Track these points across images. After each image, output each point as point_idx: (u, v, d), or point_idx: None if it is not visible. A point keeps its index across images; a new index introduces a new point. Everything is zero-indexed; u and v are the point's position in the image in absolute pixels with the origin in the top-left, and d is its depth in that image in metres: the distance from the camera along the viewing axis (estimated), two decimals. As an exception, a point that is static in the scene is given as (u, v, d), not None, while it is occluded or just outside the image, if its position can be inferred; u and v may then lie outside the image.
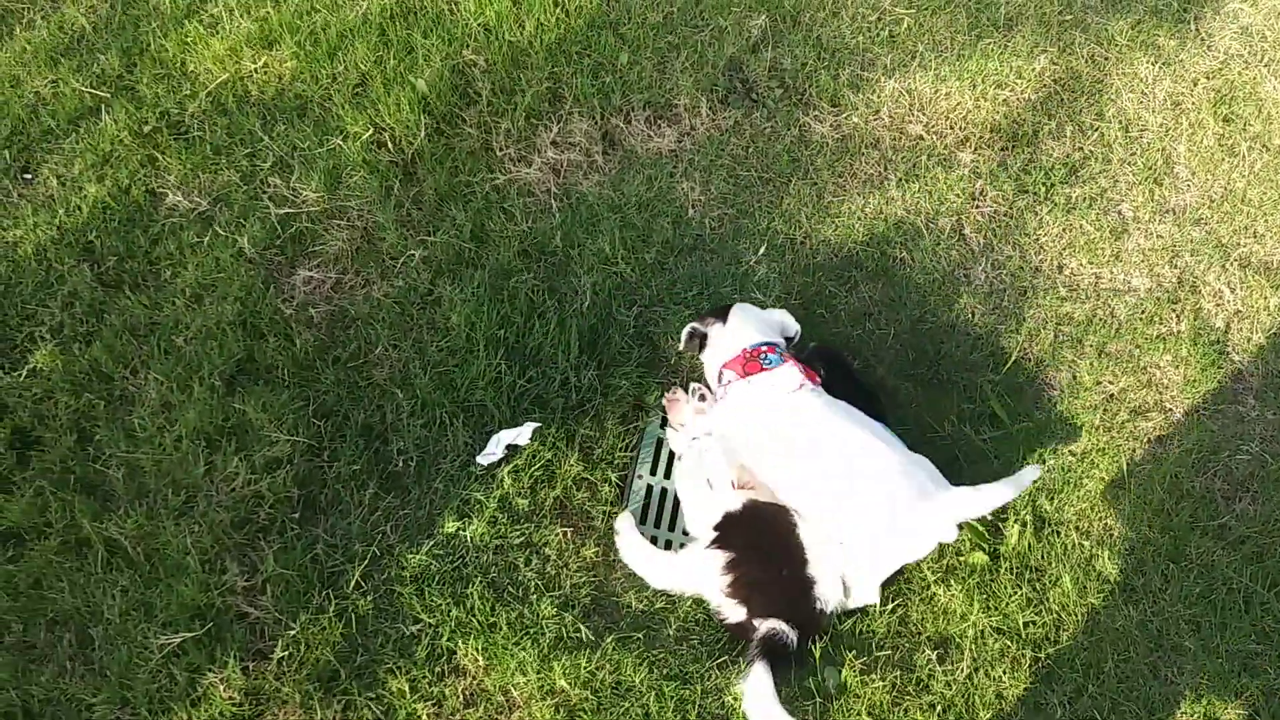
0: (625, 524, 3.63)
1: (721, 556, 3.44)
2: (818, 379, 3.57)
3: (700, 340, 3.74)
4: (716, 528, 3.50)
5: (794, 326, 3.78)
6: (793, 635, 3.33)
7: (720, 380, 3.63)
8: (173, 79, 4.37)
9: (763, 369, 3.53)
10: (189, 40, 4.44)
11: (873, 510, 3.30)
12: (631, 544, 3.61)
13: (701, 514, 3.60)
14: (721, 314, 3.73)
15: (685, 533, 3.75)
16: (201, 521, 3.44)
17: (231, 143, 4.23)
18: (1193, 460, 3.80)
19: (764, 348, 3.58)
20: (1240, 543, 3.64)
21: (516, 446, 3.69)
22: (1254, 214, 4.22)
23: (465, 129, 4.29)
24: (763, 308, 3.88)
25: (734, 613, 3.42)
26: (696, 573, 3.48)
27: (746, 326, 3.66)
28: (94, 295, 3.87)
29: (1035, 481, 3.43)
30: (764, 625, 3.35)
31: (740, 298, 4.01)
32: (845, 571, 3.43)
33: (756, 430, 3.52)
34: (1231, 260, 4.14)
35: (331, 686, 3.28)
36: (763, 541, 3.47)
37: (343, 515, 3.56)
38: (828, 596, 3.41)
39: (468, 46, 4.43)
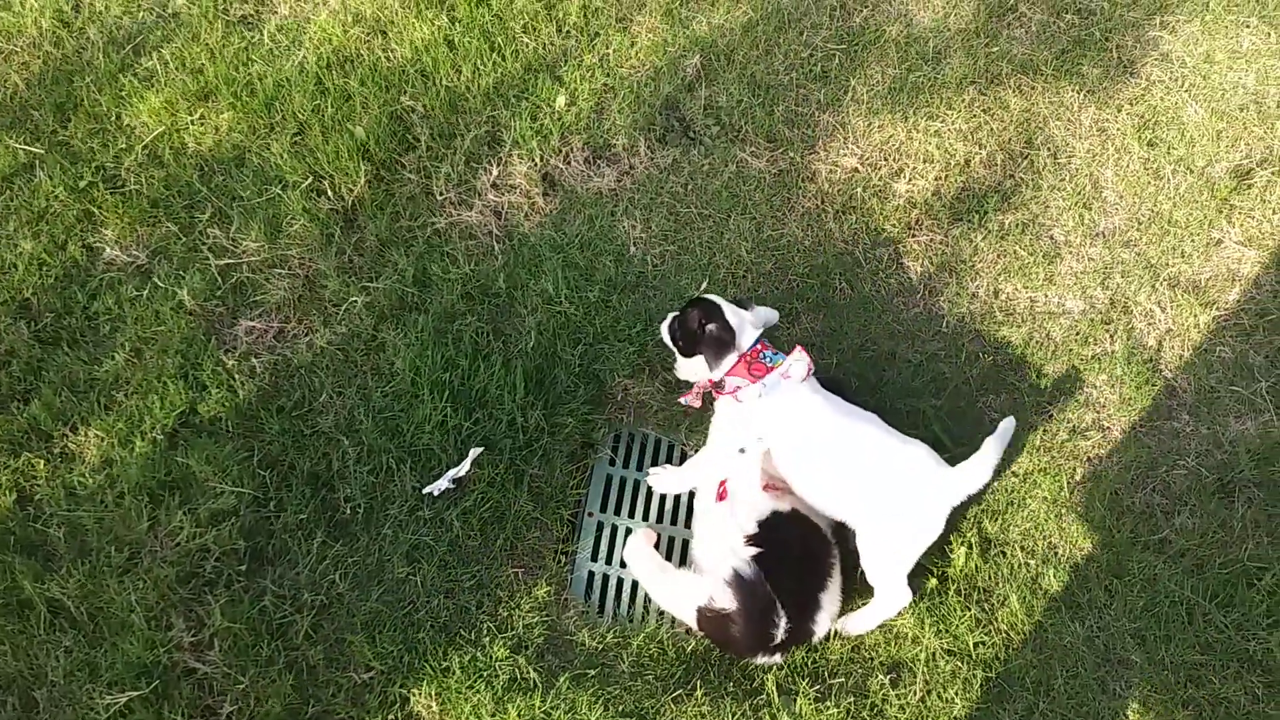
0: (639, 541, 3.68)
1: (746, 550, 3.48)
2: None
3: (700, 336, 3.67)
4: (761, 524, 3.54)
5: (774, 316, 3.92)
6: (782, 626, 3.39)
7: (724, 388, 3.65)
8: (108, 133, 4.35)
9: (768, 367, 3.58)
10: (124, 94, 4.43)
11: (899, 503, 3.47)
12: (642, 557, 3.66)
13: (668, 591, 3.63)
14: (709, 311, 3.67)
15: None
16: (146, 578, 3.40)
17: (169, 195, 4.21)
18: (1131, 476, 3.87)
19: (757, 346, 3.64)
20: (1180, 556, 3.71)
21: (460, 478, 3.69)
22: (1181, 234, 4.33)
23: (405, 174, 4.31)
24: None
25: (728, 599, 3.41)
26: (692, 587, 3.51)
27: (744, 327, 3.68)
28: (31, 353, 3.83)
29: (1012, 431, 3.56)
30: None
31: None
32: (876, 576, 3.55)
33: (787, 432, 3.57)
34: (1161, 280, 4.24)
35: (283, 740, 3.25)
36: (796, 548, 3.54)
37: (291, 565, 3.53)
38: (821, 624, 3.48)
39: (405, 93, 4.45)
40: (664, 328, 3.82)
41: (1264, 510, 3.76)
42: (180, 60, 4.54)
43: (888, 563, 3.52)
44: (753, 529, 3.54)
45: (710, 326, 3.64)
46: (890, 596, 3.57)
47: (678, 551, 3.87)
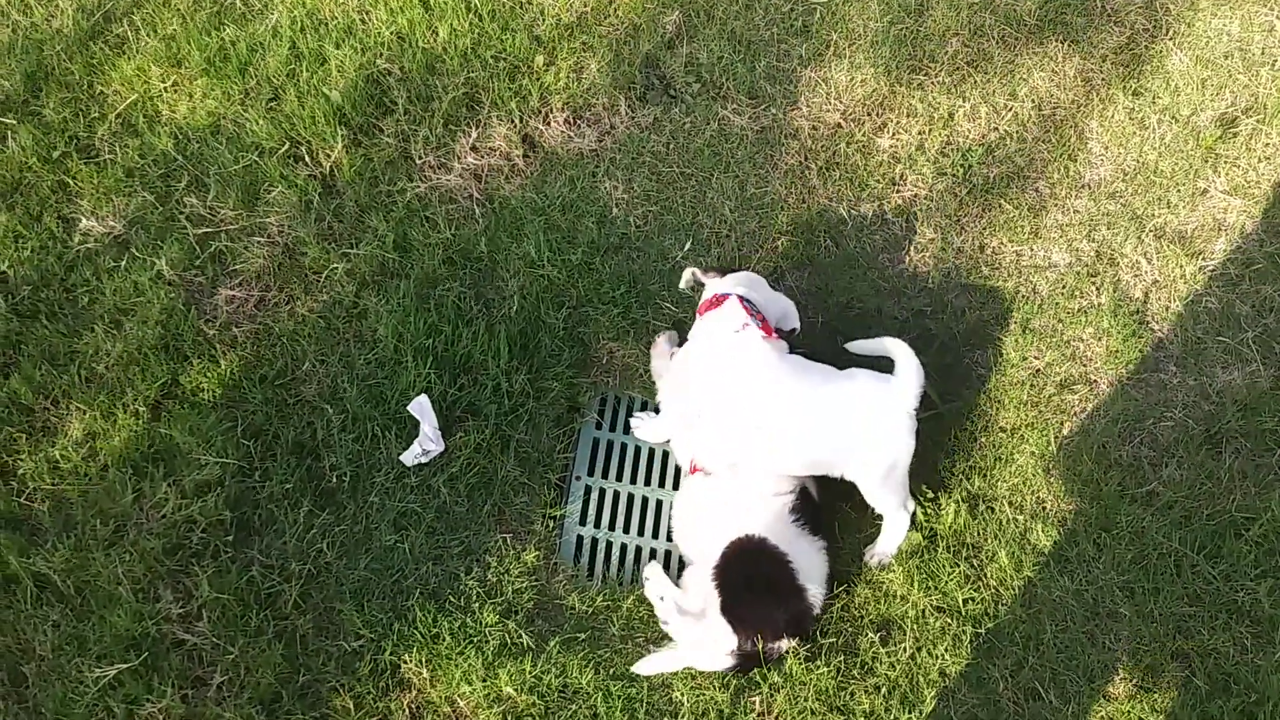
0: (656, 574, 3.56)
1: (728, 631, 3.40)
2: (773, 334, 3.59)
3: (696, 289, 3.80)
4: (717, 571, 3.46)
5: (795, 320, 3.83)
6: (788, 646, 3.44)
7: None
8: (80, 102, 4.28)
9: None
10: (95, 62, 4.36)
11: (866, 434, 3.44)
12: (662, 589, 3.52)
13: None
14: (724, 270, 3.77)
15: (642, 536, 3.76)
16: (132, 550, 3.39)
17: (144, 164, 4.15)
18: (1119, 430, 3.86)
19: (735, 297, 3.59)
20: (1168, 508, 3.71)
21: (434, 449, 3.67)
22: (1166, 185, 4.30)
23: (383, 139, 4.26)
24: (692, 303, 3.91)
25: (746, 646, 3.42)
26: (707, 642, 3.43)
27: (736, 284, 3.67)
28: (9, 326, 3.78)
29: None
30: (775, 644, 3.42)
31: (668, 296, 4.03)
32: (880, 503, 3.59)
33: (706, 370, 3.55)
34: (1147, 231, 4.22)
35: (274, 709, 3.25)
36: (759, 581, 3.46)
37: (278, 535, 3.52)
38: (815, 596, 3.48)
39: (381, 55, 4.38)
40: None
41: (1251, 461, 3.76)
42: (151, 26, 4.46)
43: (885, 488, 3.54)
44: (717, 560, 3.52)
45: (713, 273, 3.80)
46: (898, 515, 3.61)
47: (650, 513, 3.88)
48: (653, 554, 3.82)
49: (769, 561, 3.44)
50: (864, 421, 3.43)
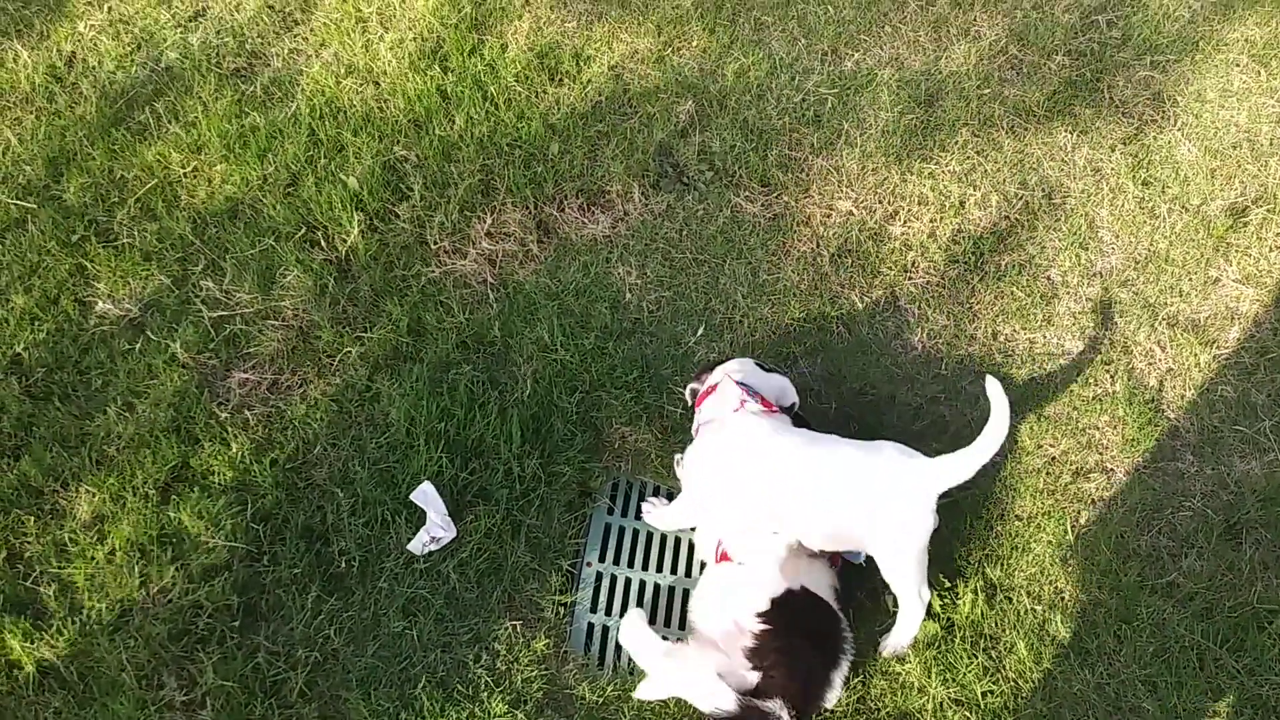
0: (635, 620, 3.50)
1: (756, 624, 3.36)
2: (774, 409, 3.59)
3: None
4: (765, 609, 3.38)
5: (793, 395, 3.80)
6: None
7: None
8: (100, 186, 4.34)
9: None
10: (117, 148, 4.43)
11: (888, 510, 3.36)
12: (638, 637, 3.46)
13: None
14: (711, 366, 3.78)
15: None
16: (137, 636, 3.34)
17: (162, 248, 4.19)
18: (1137, 519, 3.82)
19: (728, 379, 3.60)
20: (1189, 599, 3.65)
21: (444, 538, 3.64)
22: (1178, 273, 4.31)
23: (399, 224, 4.30)
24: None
25: (741, 679, 3.30)
26: (693, 664, 3.33)
27: (726, 370, 3.67)
28: (22, 408, 3.78)
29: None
30: (770, 703, 3.28)
31: (680, 380, 4.02)
32: (896, 583, 3.50)
33: (714, 451, 3.52)
34: (1160, 319, 4.22)
35: (277, 802, 3.17)
36: (807, 627, 3.40)
37: (285, 620, 3.47)
38: (832, 698, 3.39)
39: (398, 143, 4.45)
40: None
41: (1272, 552, 3.71)
42: (173, 113, 4.55)
43: (903, 566, 3.47)
44: (765, 606, 3.45)
45: (703, 374, 3.78)
46: (914, 603, 3.53)
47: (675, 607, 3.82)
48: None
49: (825, 618, 3.42)
50: (885, 495, 3.36)
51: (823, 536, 3.50)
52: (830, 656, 3.38)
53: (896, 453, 3.40)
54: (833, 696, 3.40)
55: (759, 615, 3.37)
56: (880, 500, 3.36)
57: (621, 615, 3.73)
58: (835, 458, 3.42)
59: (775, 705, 3.27)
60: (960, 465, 3.33)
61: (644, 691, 3.39)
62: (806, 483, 3.41)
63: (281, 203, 4.26)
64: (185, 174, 4.38)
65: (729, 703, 3.18)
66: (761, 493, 3.45)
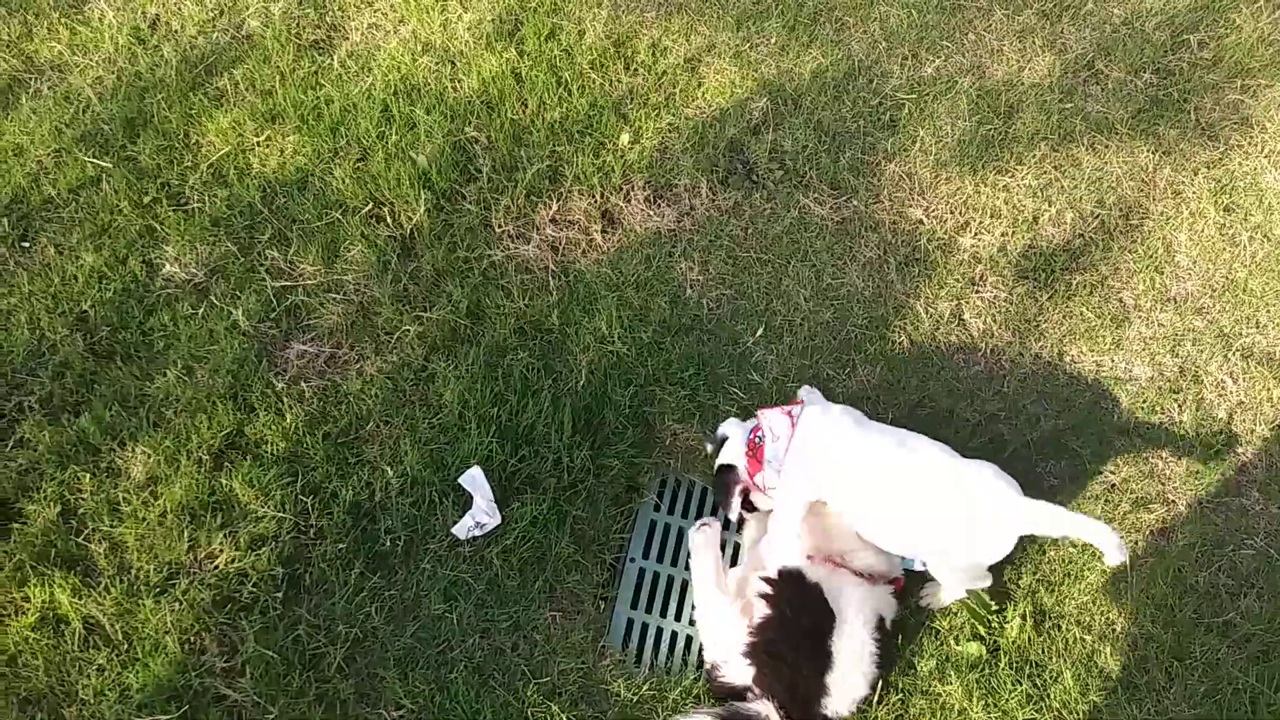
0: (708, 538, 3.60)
1: (761, 608, 3.36)
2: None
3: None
4: (782, 575, 3.38)
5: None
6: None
7: (762, 486, 3.61)
8: (175, 150, 4.38)
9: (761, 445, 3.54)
10: (193, 112, 4.47)
11: (969, 528, 3.29)
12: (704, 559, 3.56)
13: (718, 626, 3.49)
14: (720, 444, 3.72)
15: (688, 620, 3.68)
16: (182, 599, 3.38)
17: (230, 215, 4.22)
18: (1196, 554, 3.72)
19: (750, 438, 3.61)
20: (1246, 641, 3.55)
21: (489, 524, 3.63)
22: (1256, 304, 4.19)
23: (465, 205, 4.29)
24: (760, 389, 3.90)
25: (739, 673, 3.32)
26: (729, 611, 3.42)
27: (730, 444, 3.68)
28: (85, 365, 3.84)
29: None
30: (759, 704, 3.26)
31: (736, 381, 3.98)
32: (938, 565, 3.47)
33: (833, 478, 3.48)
34: (1234, 350, 4.10)
35: (310, 775, 3.20)
36: (803, 622, 3.37)
37: (327, 595, 3.49)
38: (837, 706, 3.33)
39: (470, 124, 4.44)
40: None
41: (1335, 597, 3.60)
42: (251, 81, 4.58)
43: (961, 584, 3.49)
44: (773, 573, 3.42)
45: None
46: (960, 592, 3.58)
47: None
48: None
49: (822, 638, 3.35)
50: (975, 517, 3.26)
51: (896, 538, 3.46)
52: (820, 660, 3.32)
53: (995, 477, 3.30)
54: (838, 700, 3.34)
55: (765, 580, 3.39)
56: (967, 520, 3.27)
57: (662, 615, 3.73)
58: (934, 465, 3.36)
59: (763, 707, 3.25)
60: (1051, 518, 3.20)
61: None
62: (899, 484, 3.37)
63: (350, 177, 4.28)
64: (258, 143, 4.41)
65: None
66: (853, 487, 3.44)
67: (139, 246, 4.14)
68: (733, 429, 3.69)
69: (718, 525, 3.68)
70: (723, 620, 3.44)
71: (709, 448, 3.80)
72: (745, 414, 3.89)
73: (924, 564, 3.63)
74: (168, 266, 4.09)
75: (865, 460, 3.42)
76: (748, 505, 3.66)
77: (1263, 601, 3.62)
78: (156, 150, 4.37)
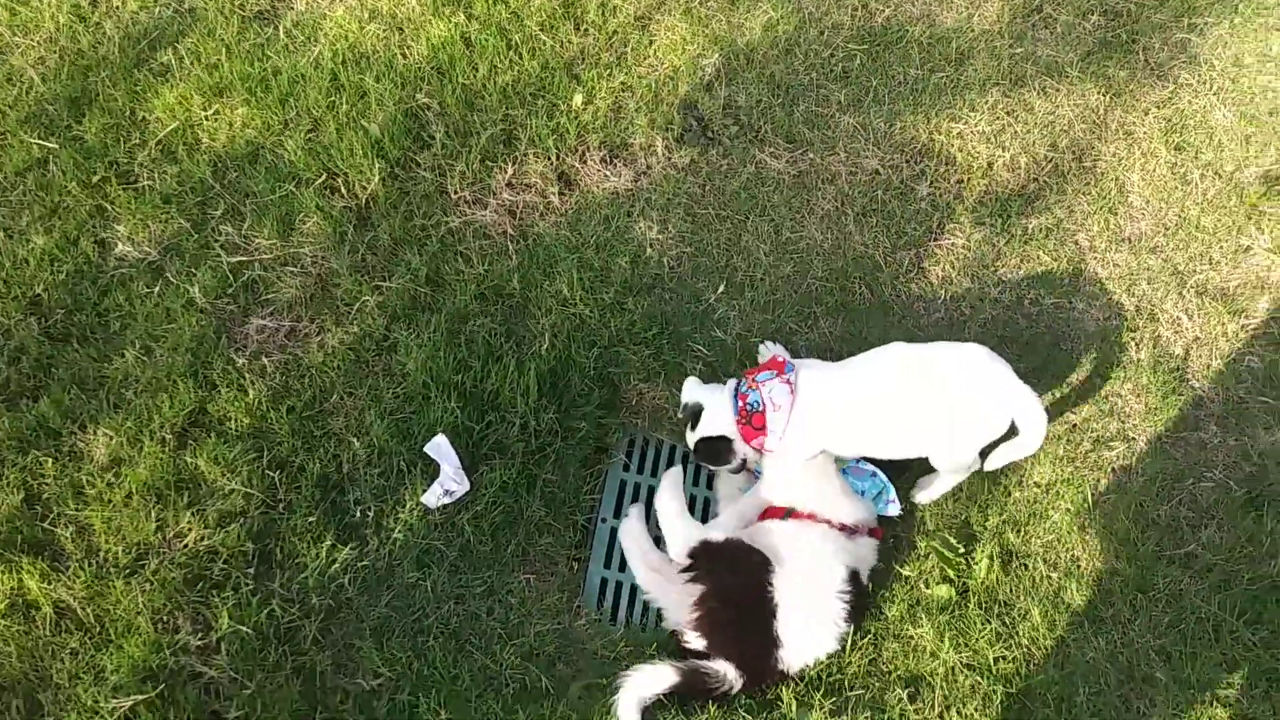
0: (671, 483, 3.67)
1: (694, 589, 3.41)
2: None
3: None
4: (692, 554, 3.44)
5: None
6: (738, 684, 3.33)
7: (763, 449, 3.63)
8: (122, 128, 4.30)
9: (760, 413, 3.56)
10: (139, 89, 4.39)
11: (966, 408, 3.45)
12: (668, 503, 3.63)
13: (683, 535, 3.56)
14: (695, 414, 3.69)
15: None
16: (153, 580, 3.35)
17: (182, 191, 4.16)
18: (1157, 489, 3.79)
19: (738, 404, 3.60)
20: (1207, 571, 3.63)
21: (456, 492, 3.63)
22: (1209, 241, 4.24)
23: (420, 172, 4.26)
24: (723, 346, 3.92)
25: (695, 641, 3.39)
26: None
27: (717, 410, 3.66)
28: (41, 349, 3.78)
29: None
30: (717, 664, 3.33)
31: (700, 338, 3.99)
32: (938, 442, 3.56)
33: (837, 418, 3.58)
34: (1188, 287, 4.16)
35: (290, 746, 3.20)
36: (737, 584, 3.42)
37: (299, 569, 3.48)
38: (791, 659, 3.40)
39: (421, 90, 4.39)
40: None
41: (1293, 524, 3.68)
42: (196, 55, 4.49)
43: (958, 457, 3.60)
44: (685, 560, 3.48)
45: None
46: (958, 476, 3.71)
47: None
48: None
49: (757, 587, 3.41)
50: (967, 392, 3.44)
51: (905, 445, 3.58)
52: (763, 612, 3.38)
53: (989, 359, 3.47)
54: (790, 652, 3.40)
55: (689, 558, 3.47)
56: (967, 404, 3.45)
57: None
58: (929, 360, 3.50)
59: (722, 666, 3.30)
60: (1032, 407, 3.42)
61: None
62: (900, 396, 3.49)
63: (302, 148, 4.22)
64: (206, 117, 4.34)
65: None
66: (860, 424, 3.56)
67: (90, 227, 4.07)
68: (701, 393, 3.67)
69: (638, 511, 3.75)
70: (664, 594, 3.57)
71: (680, 416, 3.81)
72: (710, 371, 3.93)
73: (898, 509, 3.72)
74: (120, 246, 4.03)
75: (866, 393, 3.52)
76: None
77: (1223, 532, 3.69)
78: (103, 129, 4.29)
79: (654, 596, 3.64)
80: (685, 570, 3.46)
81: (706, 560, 3.46)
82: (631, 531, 3.70)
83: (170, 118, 4.33)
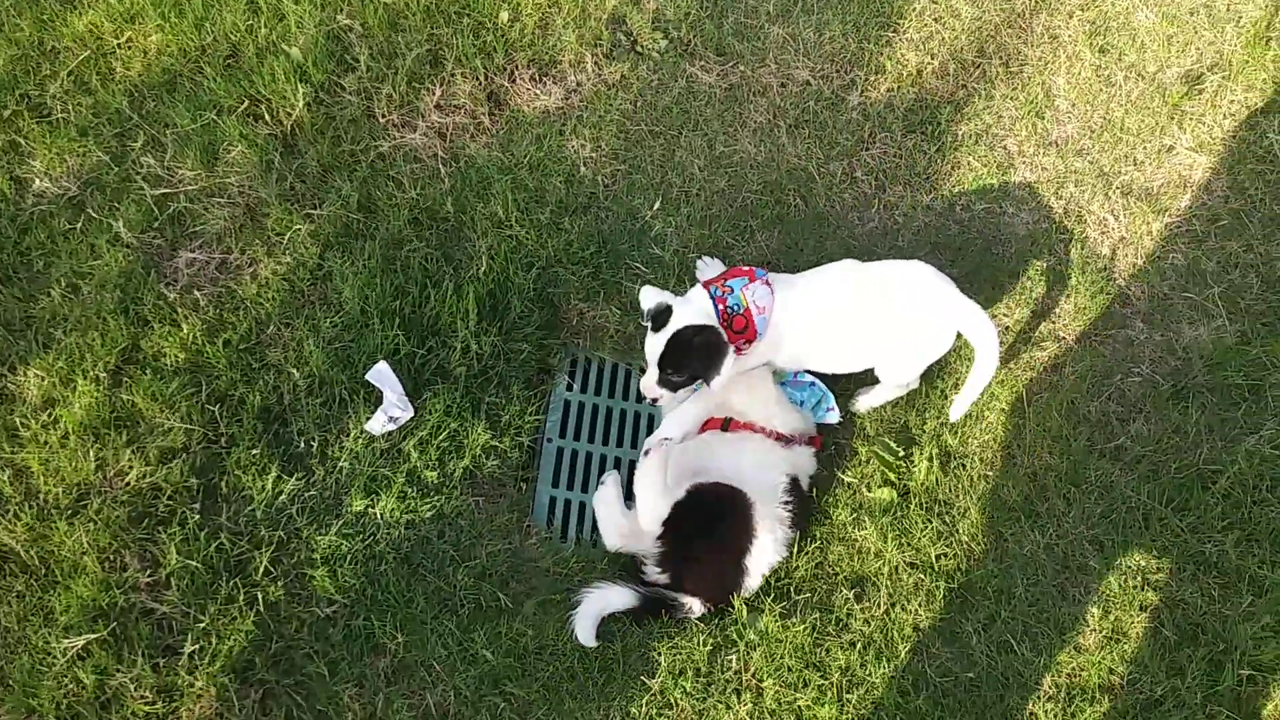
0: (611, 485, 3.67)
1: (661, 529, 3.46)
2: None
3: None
4: (666, 522, 3.43)
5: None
6: (699, 611, 3.43)
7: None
8: (30, 59, 4.14)
9: (744, 316, 3.53)
10: (45, 18, 4.22)
11: (915, 325, 3.56)
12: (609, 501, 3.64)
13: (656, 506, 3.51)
14: (664, 313, 3.48)
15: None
16: (96, 519, 3.32)
17: (98, 123, 4.03)
18: (1087, 386, 3.89)
19: (717, 308, 3.53)
20: (1136, 462, 3.75)
21: (400, 417, 3.62)
22: (1133, 142, 4.31)
23: (345, 96, 4.16)
24: (661, 262, 3.93)
25: (659, 577, 3.45)
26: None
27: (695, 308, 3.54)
28: (-38, 291, 3.68)
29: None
30: (683, 597, 3.41)
31: (637, 255, 3.99)
32: (889, 371, 3.70)
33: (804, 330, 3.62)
34: (1114, 188, 4.23)
35: (247, 676, 3.22)
36: (713, 525, 3.45)
37: (246, 501, 3.46)
38: (751, 586, 3.48)
39: (341, 11, 4.28)
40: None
41: (1217, 415, 3.80)
42: (102, -20, 4.33)
43: (905, 375, 3.74)
44: (681, 494, 3.49)
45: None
46: (899, 389, 3.84)
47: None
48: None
49: (737, 527, 3.44)
50: (915, 312, 3.54)
51: (856, 358, 3.68)
52: (739, 545, 3.44)
53: (935, 276, 3.55)
54: (754, 581, 3.49)
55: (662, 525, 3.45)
56: (911, 314, 3.53)
57: (583, 490, 3.79)
58: (877, 279, 3.56)
59: (688, 600, 3.37)
60: (980, 327, 3.51)
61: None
62: (852, 310, 3.55)
63: (222, 75, 4.10)
64: (119, 45, 4.20)
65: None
66: (819, 334, 3.62)
67: (3, 163, 3.94)
68: (666, 297, 3.50)
69: (615, 479, 3.70)
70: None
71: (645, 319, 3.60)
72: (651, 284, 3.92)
73: (838, 417, 3.80)
74: (37, 182, 3.91)
75: (822, 308, 3.55)
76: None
77: (1150, 424, 3.81)
78: (11, 61, 4.12)
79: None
80: (660, 539, 3.47)
81: (676, 524, 3.44)
82: (606, 499, 3.64)
83: (81, 47, 4.18)
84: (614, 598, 3.39)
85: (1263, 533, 3.58)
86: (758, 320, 3.48)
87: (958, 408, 3.66)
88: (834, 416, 3.82)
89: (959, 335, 3.57)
